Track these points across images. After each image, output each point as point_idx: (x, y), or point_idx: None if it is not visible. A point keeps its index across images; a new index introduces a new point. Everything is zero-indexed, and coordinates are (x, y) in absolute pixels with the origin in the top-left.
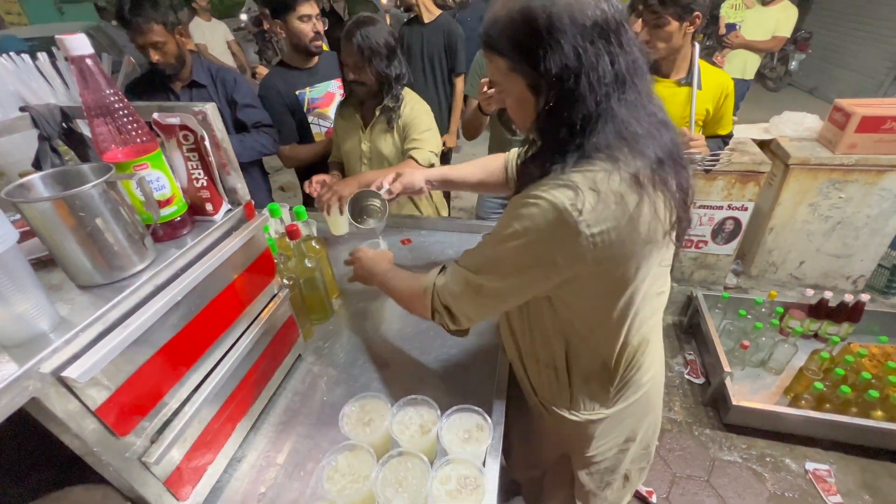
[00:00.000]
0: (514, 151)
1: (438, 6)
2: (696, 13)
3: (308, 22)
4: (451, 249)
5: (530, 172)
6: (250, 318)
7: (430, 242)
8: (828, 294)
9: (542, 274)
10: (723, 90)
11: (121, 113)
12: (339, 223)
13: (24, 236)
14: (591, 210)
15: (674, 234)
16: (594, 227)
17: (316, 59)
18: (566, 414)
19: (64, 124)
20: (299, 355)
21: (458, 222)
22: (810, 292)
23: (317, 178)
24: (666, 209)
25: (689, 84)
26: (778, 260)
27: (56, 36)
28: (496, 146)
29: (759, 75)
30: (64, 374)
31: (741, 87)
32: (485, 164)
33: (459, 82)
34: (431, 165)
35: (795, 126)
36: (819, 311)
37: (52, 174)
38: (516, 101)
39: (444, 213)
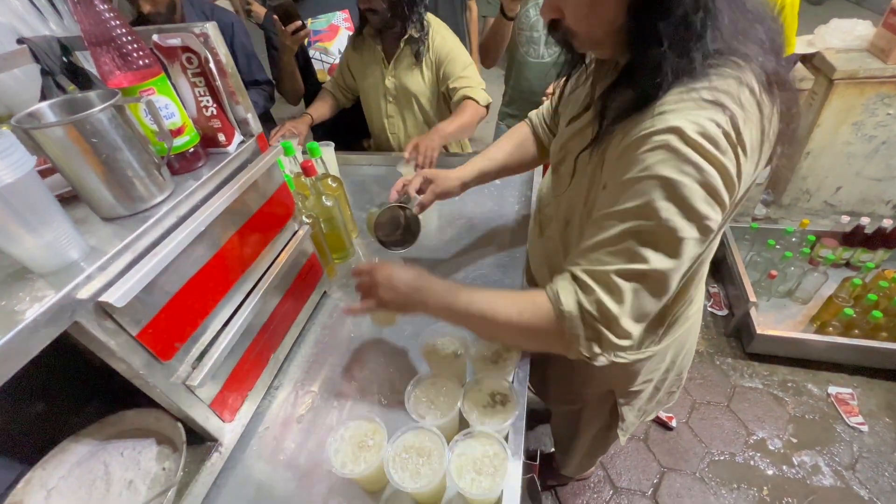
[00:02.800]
0: (535, 113)
1: None
2: None
3: None
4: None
5: (628, 98)
6: (274, 252)
7: None
8: (864, 220)
9: (707, 224)
10: (777, 2)
11: (119, 32)
12: None
13: (45, 174)
14: (742, 129)
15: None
16: (742, 151)
17: None
18: (613, 357)
19: (64, 58)
20: (325, 292)
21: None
22: (846, 219)
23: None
24: (783, 113)
25: None
26: (813, 187)
27: None
28: (515, 73)
29: None
30: (102, 299)
31: None
32: (510, 139)
33: (473, 5)
34: (489, 104)
35: (844, 36)
36: (854, 238)
37: (60, 102)
38: (586, 4)
39: (468, 150)
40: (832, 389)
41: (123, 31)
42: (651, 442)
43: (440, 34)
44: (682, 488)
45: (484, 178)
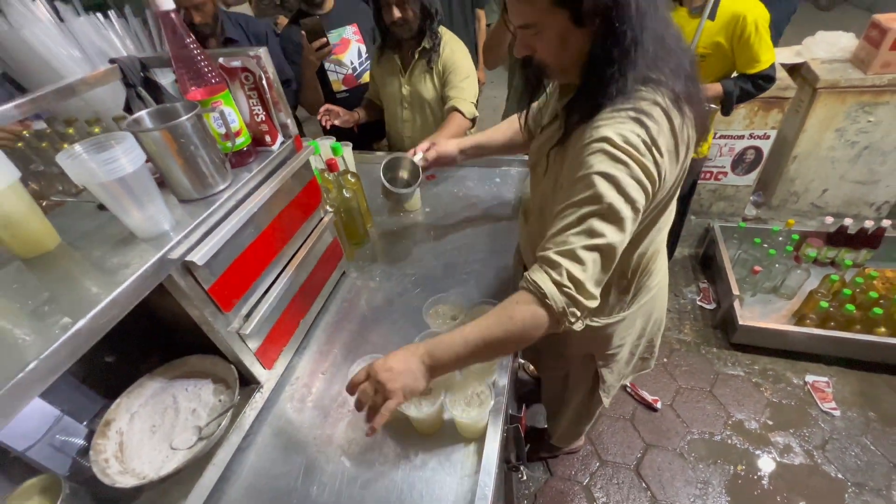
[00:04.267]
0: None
1: None
2: None
3: None
4: (471, 181)
5: (581, 111)
6: (305, 234)
7: (454, 177)
8: (848, 221)
9: (636, 209)
10: (738, 21)
11: (198, 57)
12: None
13: None
14: (656, 138)
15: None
16: (658, 154)
17: (331, 4)
18: (589, 322)
19: (142, 74)
20: (344, 272)
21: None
22: (830, 220)
23: (325, 106)
24: (695, 123)
25: (700, 14)
26: (800, 189)
27: None
28: (518, 74)
29: None
30: (188, 258)
31: (787, 8)
32: (509, 124)
33: (482, 16)
34: (475, 118)
35: (829, 47)
36: (838, 238)
37: (153, 112)
38: (557, 41)
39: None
40: (809, 378)
41: (200, 55)
42: (637, 421)
43: (449, 46)
44: (663, 462)
45: (481, 150)
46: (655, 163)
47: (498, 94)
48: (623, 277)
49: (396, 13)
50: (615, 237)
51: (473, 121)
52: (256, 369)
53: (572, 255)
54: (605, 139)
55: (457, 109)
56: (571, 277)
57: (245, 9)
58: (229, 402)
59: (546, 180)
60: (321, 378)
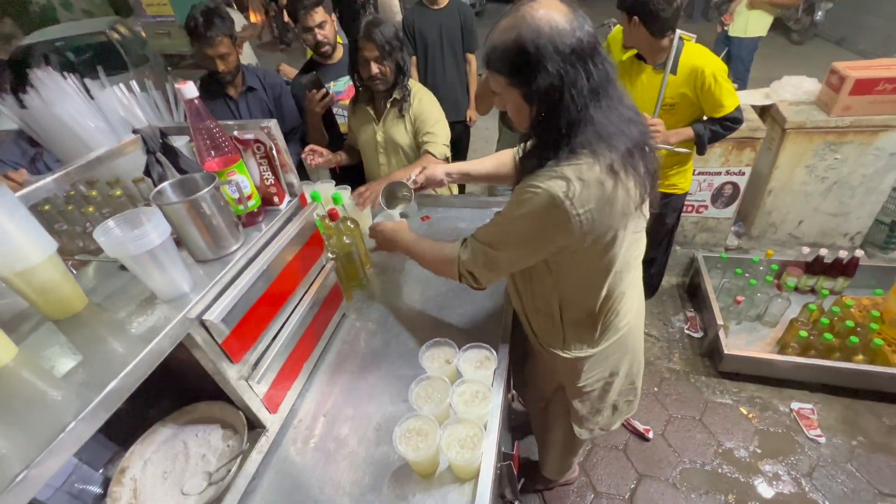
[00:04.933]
0: (521, 147)
1: None
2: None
3: (309, 32)
4: (464, 223)
5: (529, 165)
6: (308, 283)
7: (447, 218)
8: (824, 251)
9: (541, 245)
10: (697, 74)
11: (216, 133)
12: (366, 218)
13: None
14: (578, 195)
15: (644, 207)
16: (580, 209)
17: (340, 54)
18: (559, 352)
19: (161, 139)
20: (344, 314)
21: (472, 199)
22: (806, 250)
23: (309, 147)
24: (636, 188)
25: (664, 69)
26: (777, 220)
27: (176, 85)
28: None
29: (783, 28)
30: (204, 317)
31: (748, 46)
32: (497, 157)
33: (473, 59)
34: (446, 158)
35: (795, 90)
36: (815, 267)
37: (175, 183)
38: (514, 108)
39: (456, 192)
40: (795, 405)
41: (217, 129)
42: (629, 452)
43: (418, 97)
44: (655, 493)
45: (466, 176)
46: (569, 214)
47: (490, 126)
48: (590, 317)
49: (375, 69)
50: (501, 253)
51: (447, 159)
52: (262, 414)
53: (471, 246)
54: (535, 185)
55: (428, 152)
56: (463, 258)
57: (250, 55)
58: (238, 448)
59: None
60: (323, 420)
